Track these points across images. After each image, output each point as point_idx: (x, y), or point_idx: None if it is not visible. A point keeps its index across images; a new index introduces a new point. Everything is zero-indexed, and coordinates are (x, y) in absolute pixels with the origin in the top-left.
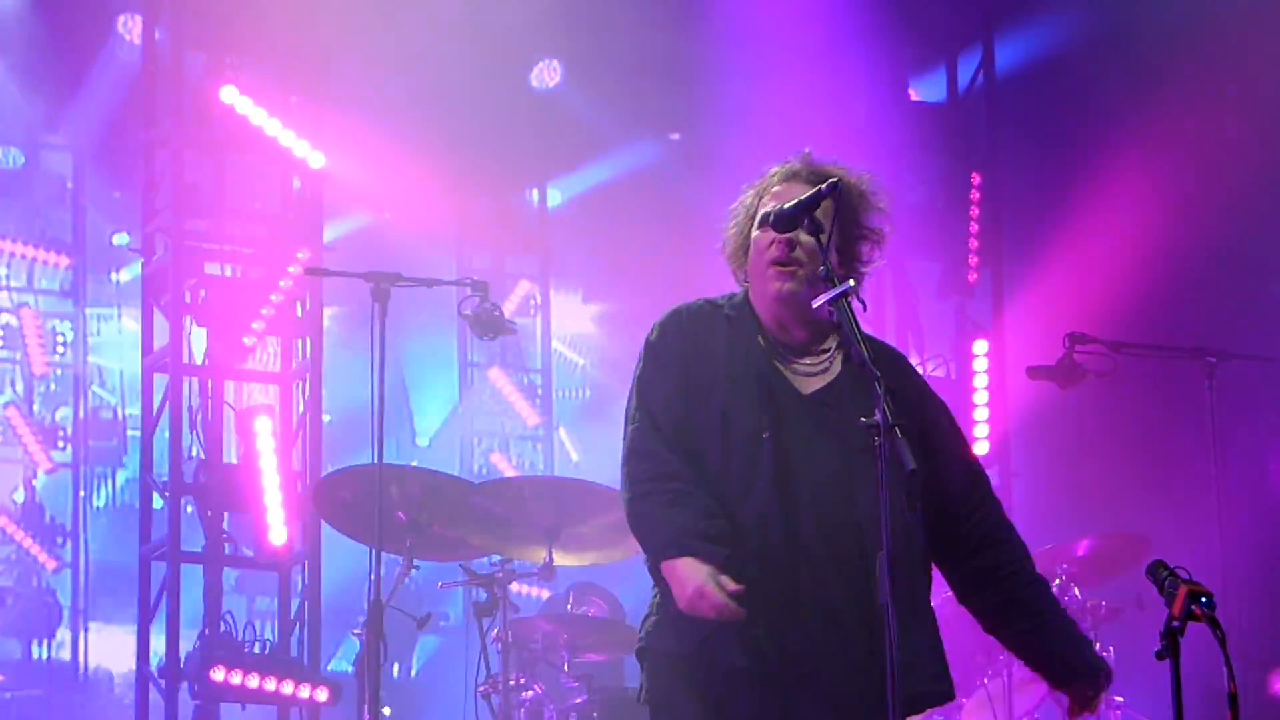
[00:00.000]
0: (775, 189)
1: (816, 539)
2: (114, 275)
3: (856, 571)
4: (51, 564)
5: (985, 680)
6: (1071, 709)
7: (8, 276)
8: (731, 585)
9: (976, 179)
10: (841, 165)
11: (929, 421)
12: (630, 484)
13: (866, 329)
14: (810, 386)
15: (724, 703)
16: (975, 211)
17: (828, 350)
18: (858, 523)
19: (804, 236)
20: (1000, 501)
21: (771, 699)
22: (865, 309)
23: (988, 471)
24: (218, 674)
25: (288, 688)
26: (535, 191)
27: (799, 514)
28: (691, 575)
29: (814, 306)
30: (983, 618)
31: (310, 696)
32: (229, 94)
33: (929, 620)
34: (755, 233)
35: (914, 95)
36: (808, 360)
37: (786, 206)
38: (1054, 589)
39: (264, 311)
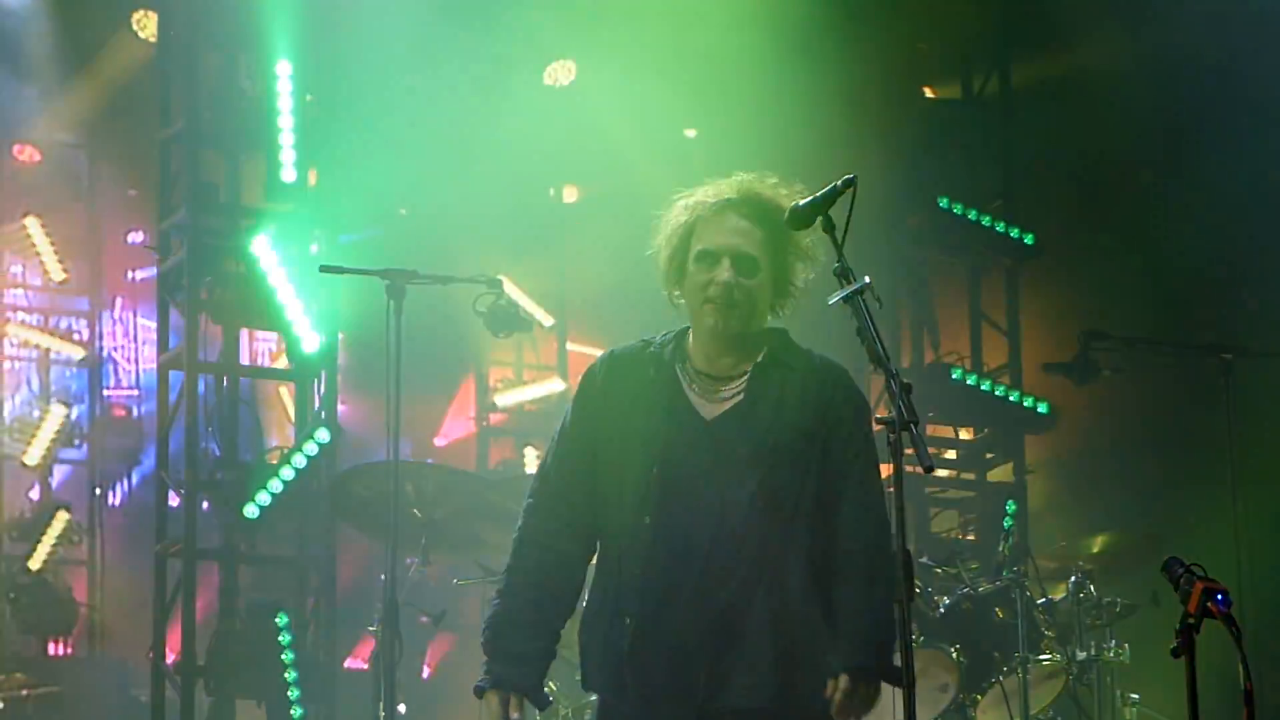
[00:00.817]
0: (712, 219)
1: (690, 568)
2: (132, 274)
3: (718, 593)
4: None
5: (1000, 677)
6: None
7: (24, 274)
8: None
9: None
10: (781, 187)
11: (837, 437)
12: (515, 540)
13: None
14: (714, 411)
15: None
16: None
17: (744, 375)
18: (732, 543)
19: (745, 282)
20: (864, 523)
21: None
22: (881, 306)
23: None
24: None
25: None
26: (552, 190)
27: (677, 545)
28: (485, 701)
29: (830, 302)
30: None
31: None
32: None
33: (799, 634)
34: (692, 267)
35: (930, 93)
36: (729, 386)
37: (802, 203)
38: (1070, 585)
39: (279, 308)
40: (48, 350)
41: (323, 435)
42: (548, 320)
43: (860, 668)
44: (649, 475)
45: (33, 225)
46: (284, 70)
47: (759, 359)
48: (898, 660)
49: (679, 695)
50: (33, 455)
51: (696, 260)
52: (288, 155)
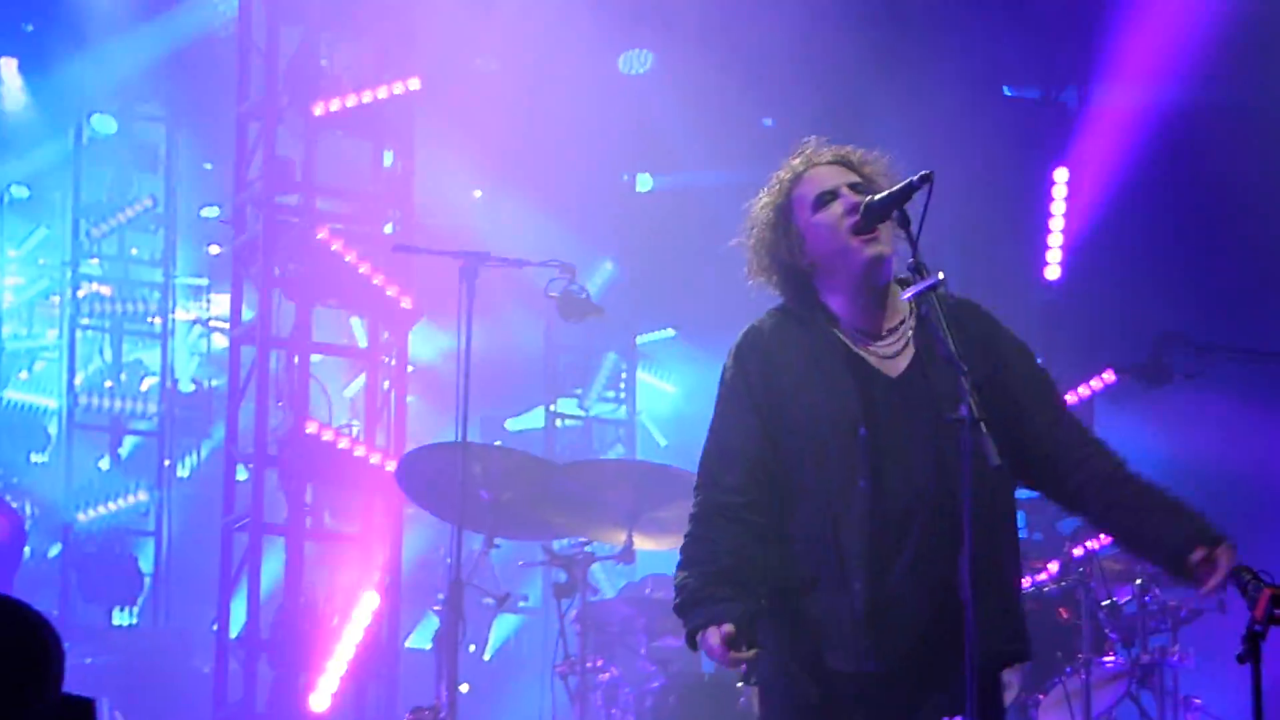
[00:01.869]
0: (805, 176)
1: (910, 532)
2: (206, 248)
3: (943, 556)
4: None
5: (1063, 678)
6: (1199, 582)
7: (99, 245)
8: (725, 630)
9: (1061, 175)
10: (874, 156)
11: (1005, 363)
12: (689, 520)
13: None
14: (895, 369)
15: (845, 699)
16: (1058, 207)
17: (900, 326)
18: (947, 506)
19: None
20: (1079, 421)
21: (873, 695)
22: (954, 302)
23: None
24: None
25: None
26: (625, 176)
27: (893, 509)
28: (702, 645)
29: (904, 299)
30: (1096, 527)
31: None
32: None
33: (1010, 583)
34: (818, 216)
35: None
36: (885, 342)
37: (877, 198)
38: (1136, 587)
39: (352, 286)
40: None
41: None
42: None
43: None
44: (854, 438)
45: None
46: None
47: (904, 311)
48: None
49: (930, 657)
50: None
51: (816, 207)
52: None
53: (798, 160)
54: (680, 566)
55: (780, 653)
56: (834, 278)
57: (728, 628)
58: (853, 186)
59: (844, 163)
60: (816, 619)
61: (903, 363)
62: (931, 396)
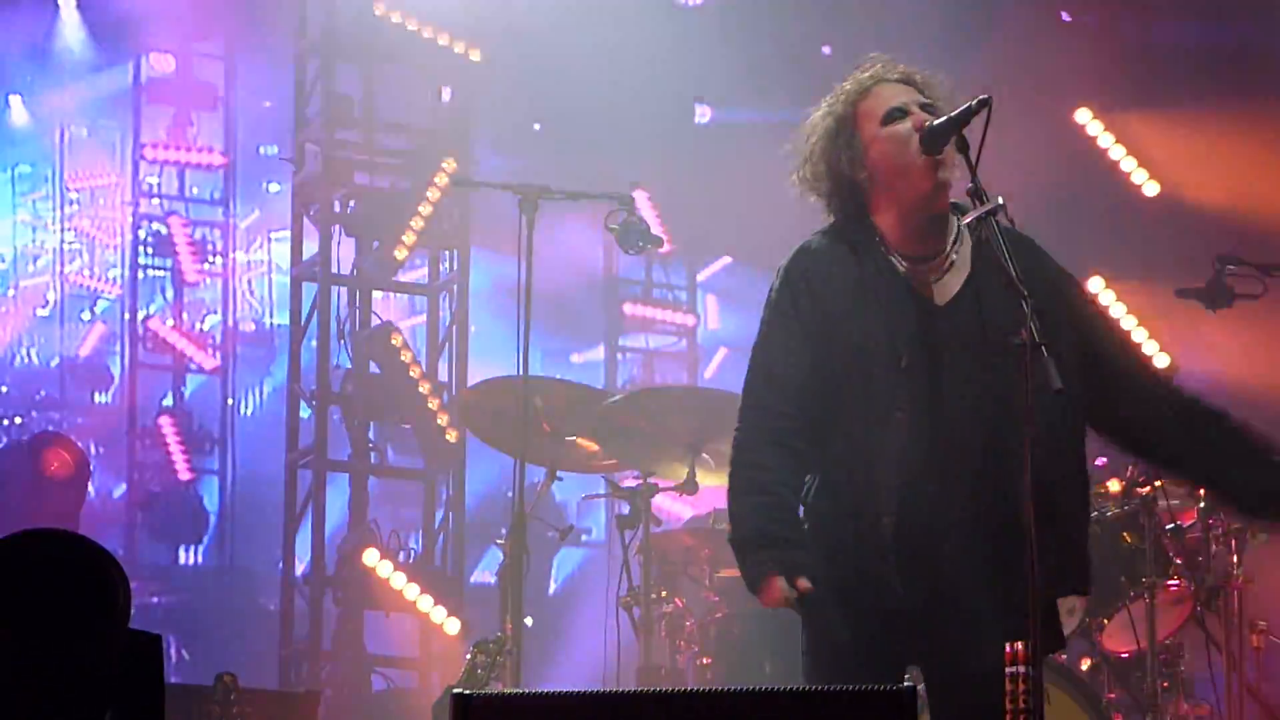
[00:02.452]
0: (872, 93)
1: (958, 462)
2: (266, 186)
3: (1000, 487)
4: (187, 475)
5: (1127, 602)
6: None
7: (159, 185)
8: (802, 585)
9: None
10: (939, 79)
11: (1063, 294)
12: (734, 445)
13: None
14: (944, 294)
15: (875, 634)
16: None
17: (951, 251)
18: (997, 433)
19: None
20: (1141, 353)
21: (918, 631)
22: (1015, 225)
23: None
24: (369, 557)
25: (425, 603)
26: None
27: (939, 440)
28: (764, 589)
29: (964, 223)
30: (1161, 468)
31: (441, 624)
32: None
33: (1073, 517)
34: (885, 131)
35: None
36: (936, 264)
37: (938, 122)
38: (1200, 511)
39: (413, 224)
40: (182, 354)
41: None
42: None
43: None
44: (896, 368)
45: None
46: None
47: (959, 235)
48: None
49: (969, 596)
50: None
51: (886, 120)
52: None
53: (865, 74)
54: (734, 496)
55: (817, 585)
56: (891, 194)
57: (805, 583)
58: (923, 107)
59: (911, 83)
60: (850, 551)
61: (952, 289)
62: (980, 324)
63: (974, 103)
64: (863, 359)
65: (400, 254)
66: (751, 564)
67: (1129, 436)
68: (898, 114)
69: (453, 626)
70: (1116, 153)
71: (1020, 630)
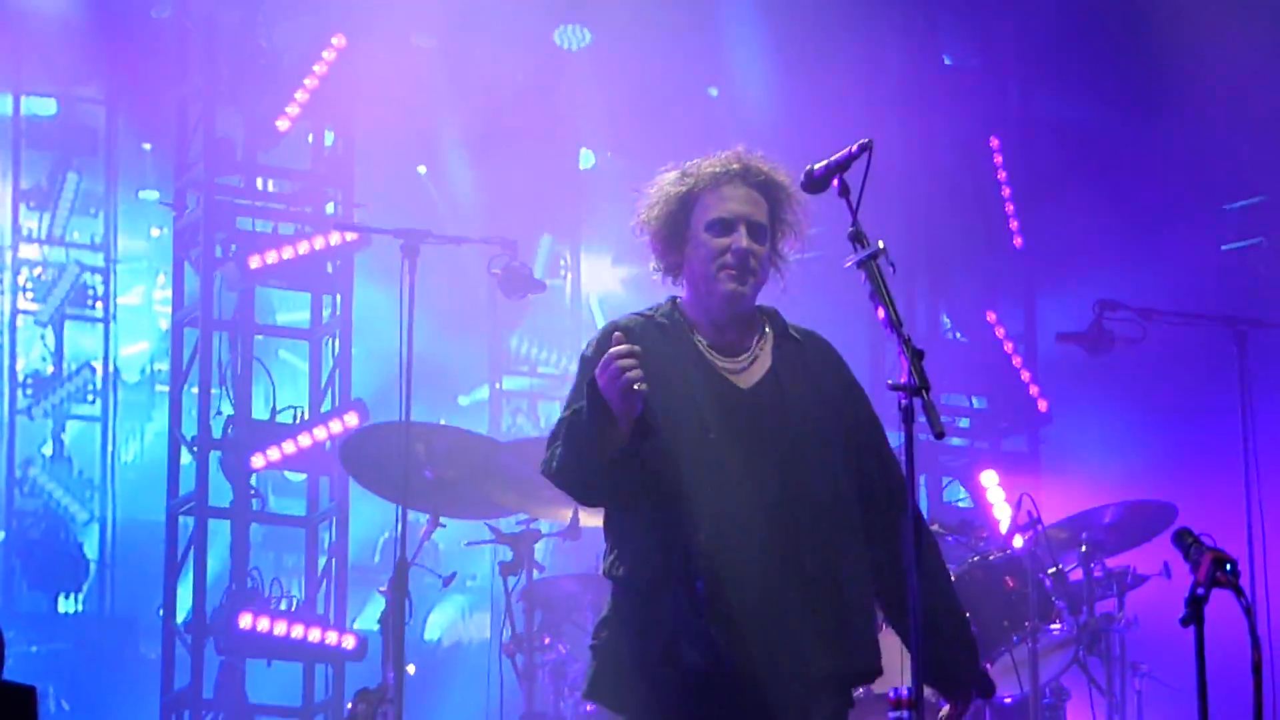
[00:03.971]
0: (717, 190)
1: (767, 531)
2: (153, 231)
3: (792, 556)
4: (83, 515)
5: (1010, 646)
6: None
7: (39, 229)
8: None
9: (996, 143)
10: (778, 166)
11: (854, 414)
12: (542, 465)
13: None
14: (749, 380)
15: (685, 701)
16: (1004, 175)
17: (751, 349)
18: (793, 510)
19: (755, 247)
20: (908, 499)
21: (729, 697)
22: (895, 271)
23: (1015, 436)
24: (245, 620)
25: (315, 634)
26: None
27: (749, 510)
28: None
29: (846, 265)
30: (883, 606)
31: (338, 644)
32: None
33: (860, 597)
34: (704, 236)
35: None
36: (740, 357)
37: (818, 166)
38: (1081, 554)
39: (286, 254)
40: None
41: (351, 420)
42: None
43: (983, 679)
44: (703, 440)
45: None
46: (334, 41)
47: (766, 330)
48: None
49: (782, 659)
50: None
51: (709, 229)
52: (296, 113)
53: (725, 168)
54: (546, 457)
55: (632, 655)
56: (696, 292)
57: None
58: (754, 228)
59: (768, 190)
60: (668, 617)
61: (756, 375)
62: (782, 408)
63: (855, 146)
64: (671, 428)
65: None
66: (588, 404)
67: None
68: (719, 226)
69: (349, 642)
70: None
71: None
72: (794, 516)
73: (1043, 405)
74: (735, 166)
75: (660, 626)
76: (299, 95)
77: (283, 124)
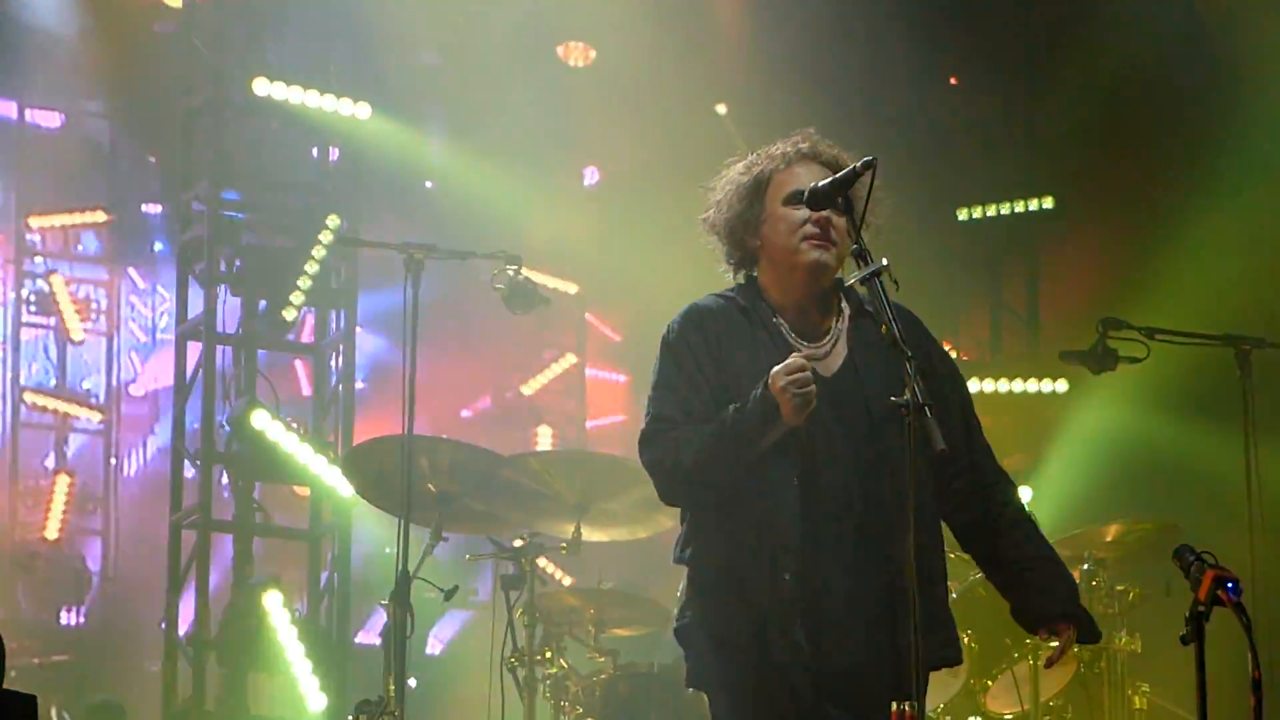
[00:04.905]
0: (789, 169)
1: (845, 526)
2: (156, 246)
3: (881, 550)
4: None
5: (1011, 664)
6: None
7: (42, 241)
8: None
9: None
10: (845, 152)
11: (936, 376)
12: (660, 459)
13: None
14: (828, 369)
15: (769, 691)
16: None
17: (832, 330)
18: (882, 502)
19: (835, 217)
20: (993, 457)
21: (807, 690)
22: (898, 288)
23: (1013, 457)
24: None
25: (304, 669)
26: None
27: (827, 503)
28: (774, 381)
29: (846, 284)
30: (978, 564)
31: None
32: (262, 86)
33: (942, 589)
34: (783, 210)
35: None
36: (823, 341)
37: (822, 184)
38: (1083, 573)
39: (300, 283)
40: (65, 415)
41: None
42: (571, 288)
43: (1081, 615)
44: (789, 431)
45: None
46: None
47: (843, 308)
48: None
49: (868, 649)
50: (51, 530)
51: (788, 201)
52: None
53: (794, 147)
54: (686, 451)
55: (723, 646)
56: (776, 269)
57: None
58: None
59: (832, 166)
60: (754, 609)
61: (836, 363)
62: (862, 397)
63: (859, 164)
64: None
65: (289, 315)
66: (743, 406)
67: (954, 525)
68: (799, 197)
69: (317, 703)
70: None
71: (903, 690)
72: (877, 511)
73: None
74: (805, 145)
75: (748, 617)
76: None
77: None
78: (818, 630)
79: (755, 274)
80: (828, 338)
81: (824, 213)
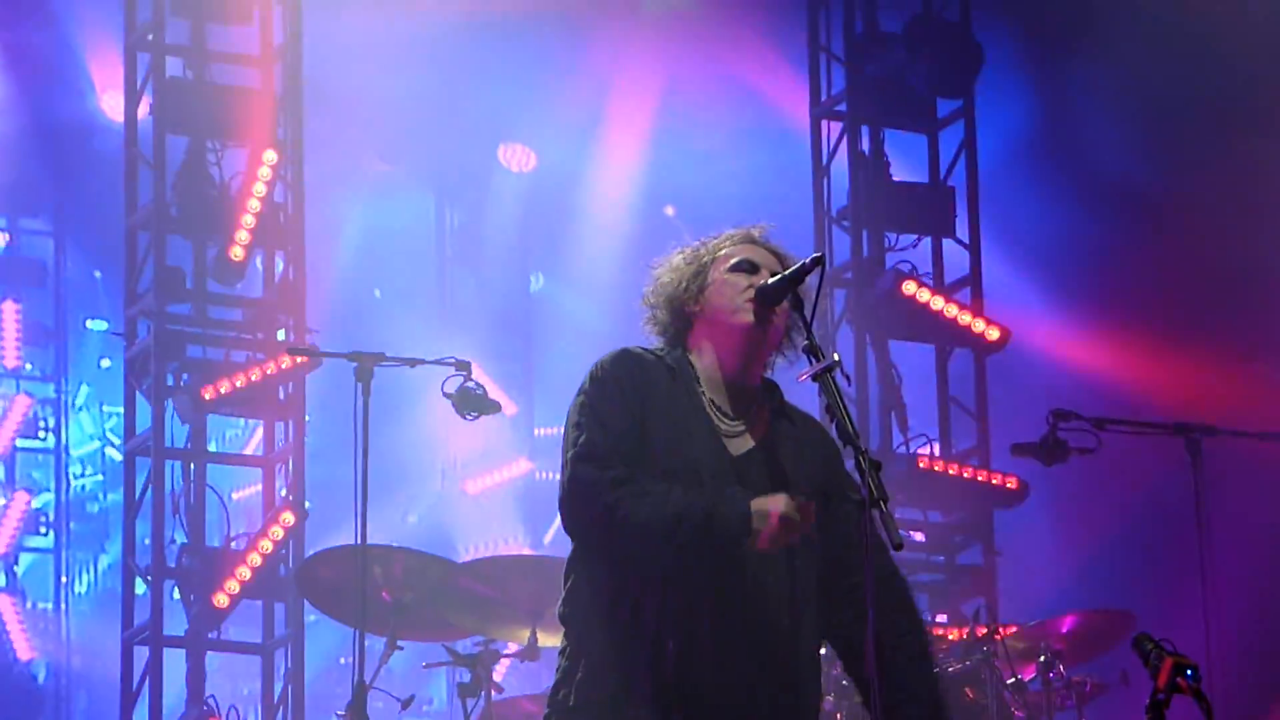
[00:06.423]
0: (737, 246)
1: (738, 602)
2: (102, 362)
3: (767, 633)
4: (27, 654)
5: None
6: None
7: None
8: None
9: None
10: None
11: (839, 504)
12: (590, 502)
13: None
14: (740, 447)
15: None
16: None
17: (749, 414)
18: (773, 585)
19: (776, 311)
20: (904, 586)
21: None
22: (850, 384)
23: (971, 549)
24: None
25: None
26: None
27: (723, 578)
28: (773, 503)
29: (800, 379)
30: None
31: None
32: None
33: (815, 706)
34: (728, 275)
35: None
36: (736, 422)
37: (772, 281)
38: (1040, 664)
39: (239, 383)
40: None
41: (288, 519)
42: (511, 409)
43: None
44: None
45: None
46: (265, 158)
47: (765, 404)
48: None
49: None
50: None
51: (733, 269)
52: (247, 240)
53: (736, 233)
54: (633, 509)
55: (615, 709)
56: (713, 330)
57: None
58: (774, 276)
59: (778, 255)
60: (631, 674)
61: (747, 445)
62: (766, 484)
63: (808, 261)
64: (667, 475)
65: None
66: (723, 514)
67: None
68: (746, 265)
69: None
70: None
71: None
72: (763, 593)
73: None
74: (753, 232)
75: (624, 676)
76: (246, 220)
77: (236, 252)
78: (699, 705)
79: (687, 344)
80: (743, 420)
81: (769, 280)
